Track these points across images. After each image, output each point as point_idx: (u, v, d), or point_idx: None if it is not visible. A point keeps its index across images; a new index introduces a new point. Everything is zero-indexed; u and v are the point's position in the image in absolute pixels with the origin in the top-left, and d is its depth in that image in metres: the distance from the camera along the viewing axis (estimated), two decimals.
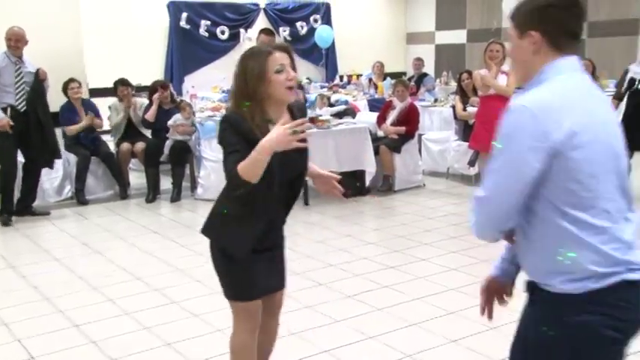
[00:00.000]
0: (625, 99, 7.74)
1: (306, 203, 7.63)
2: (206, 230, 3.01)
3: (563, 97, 2.02)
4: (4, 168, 7.09)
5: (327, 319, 4.42)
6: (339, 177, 3.15)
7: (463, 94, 8.70)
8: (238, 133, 2.77)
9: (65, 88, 8.10)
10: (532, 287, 2.16)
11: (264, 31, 7.51)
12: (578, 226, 1.99)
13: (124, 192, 8.25)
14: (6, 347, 4.15)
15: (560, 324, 2.04)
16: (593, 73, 9.28)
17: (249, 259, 2.95)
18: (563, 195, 2.00)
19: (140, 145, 8.30)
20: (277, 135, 2.62)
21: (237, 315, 3.06)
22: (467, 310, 4.45)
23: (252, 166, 2.66)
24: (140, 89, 9.60)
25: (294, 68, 2.86)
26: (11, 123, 6.86)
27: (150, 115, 8.23)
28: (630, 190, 2.10)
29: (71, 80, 8.15)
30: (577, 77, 2.12)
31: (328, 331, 4.26)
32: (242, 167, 2.66)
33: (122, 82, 8.56)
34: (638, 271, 2.03)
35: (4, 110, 6.89)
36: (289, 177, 2.91)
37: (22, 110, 6.97)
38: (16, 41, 6.90)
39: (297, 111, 2.99)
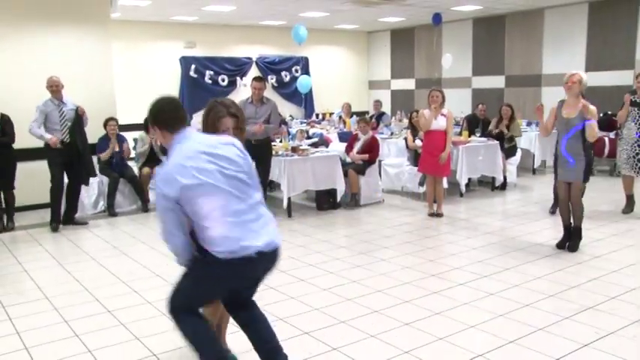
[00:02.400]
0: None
1: (289, 216, 7.67)
2: None
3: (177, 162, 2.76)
4: (53, 187, 7.07)
5: (307, 307, 4.46)
6: None
7: (413, 129, 8.76)
8: None
9: (105, 124, 8.13)
10: None
11: (255, 78, 7.53)
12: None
13: (145, 206, 8.22)
14: (56, 327, 4.15)
15: None
16: (512, 114, 9.33)
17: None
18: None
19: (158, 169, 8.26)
20: None
21: None
22: (418, 299, 4.54)
23: None
24: None
25: (236, 128, 3.20)
26: (59, 142, 6.89)
27: None
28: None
29: (111, 119, 8.21)
30: (187, 142, 2.81)
31: (307, 316, 4.31)
32: None
33: None
34: None
35: None
36: None
37: (66, 142, 6.99)
38: (56, 86, 6.93)
39: None
